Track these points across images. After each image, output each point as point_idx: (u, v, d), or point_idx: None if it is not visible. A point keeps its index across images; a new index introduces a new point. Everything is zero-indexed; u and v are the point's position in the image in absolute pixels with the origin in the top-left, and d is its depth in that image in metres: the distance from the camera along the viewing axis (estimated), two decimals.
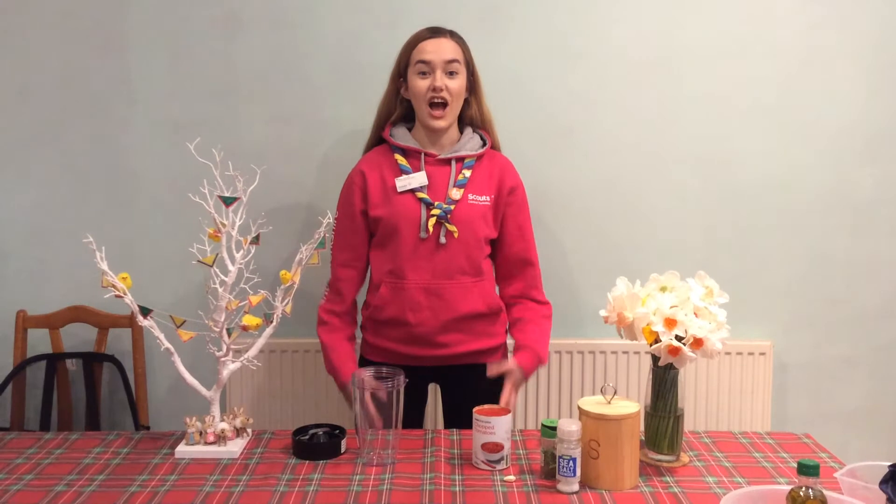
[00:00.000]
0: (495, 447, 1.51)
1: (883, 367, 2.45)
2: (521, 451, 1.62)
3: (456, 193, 1.83)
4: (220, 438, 1.61)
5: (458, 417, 1.84)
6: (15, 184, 2.35)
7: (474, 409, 1.54)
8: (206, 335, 1.67)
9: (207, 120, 2.30)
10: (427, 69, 1.81)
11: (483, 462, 1.52)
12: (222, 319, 1.64)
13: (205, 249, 1.63)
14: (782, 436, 1.72)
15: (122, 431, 1.75)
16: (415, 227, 1.82)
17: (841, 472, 1.32)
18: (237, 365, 1.68)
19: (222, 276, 1.63)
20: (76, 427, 2.32)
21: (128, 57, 2.30)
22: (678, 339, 1.48)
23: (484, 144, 1.91)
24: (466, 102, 1.89)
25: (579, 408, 1.47)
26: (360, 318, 1.96)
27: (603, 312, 1.61)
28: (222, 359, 1.67)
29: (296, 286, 1.68)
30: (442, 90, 1.80)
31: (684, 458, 1.58)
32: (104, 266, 1.61)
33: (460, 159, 1.87)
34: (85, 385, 2.29)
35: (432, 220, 1.80)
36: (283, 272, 1.67)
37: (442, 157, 1.86)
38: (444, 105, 1.81)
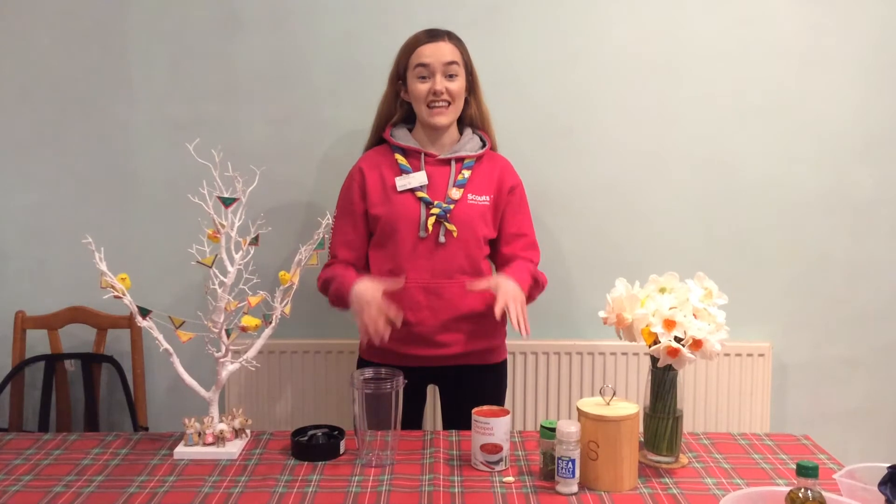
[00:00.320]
0: (494, 448, 1.51)
1: (883, 367, 2.44)
2: (520, 453, 1.62)
3: (455, 193, 1.83)
4: (219, 439, 1.61)
5: (457, 418, 1.84)
6: (15, 184, 2.35)
7: (473, 410, 1.54)
8: (205, 336, 1.67)
9: (207, 120, 2.30)
10: (426, 73, 1.81)
11: (482, 463, 1.52)
12: (221, 320, 1.64)
13: (204, 250, 1.63)
14: (781, 437, 1.72)
15: (120, 432, 1.76)
16: (414, 226, 1.82)
17: (840, 473, 1.32)
18: (236, 366, 1.68)
19: (221, 277, 1.63)
20: (75, 428, 2.32)
21: (128, 57, 2.30)
22: (677, 340, 1.48)
23: (483, 145, 1.91)
24: (466, 102, 1.89)
25: (578, 409, 1.47)
26: None
27: (602, 314, 1.61)
28: (221, 360, 1.67)
29: (295, 287, 1.68)
30: (443, 93, 1.80)
31: (683, 459, 1.58)
32: (103, 267, 1.61)
33: (460, 160, 1.87)
34: (84, 386, 2.29)
35: (431, 220, 1.80)
36: (282, 273, 1.67)
37: (442, 157, 1.86)
38: (445, 105, 1.82)
